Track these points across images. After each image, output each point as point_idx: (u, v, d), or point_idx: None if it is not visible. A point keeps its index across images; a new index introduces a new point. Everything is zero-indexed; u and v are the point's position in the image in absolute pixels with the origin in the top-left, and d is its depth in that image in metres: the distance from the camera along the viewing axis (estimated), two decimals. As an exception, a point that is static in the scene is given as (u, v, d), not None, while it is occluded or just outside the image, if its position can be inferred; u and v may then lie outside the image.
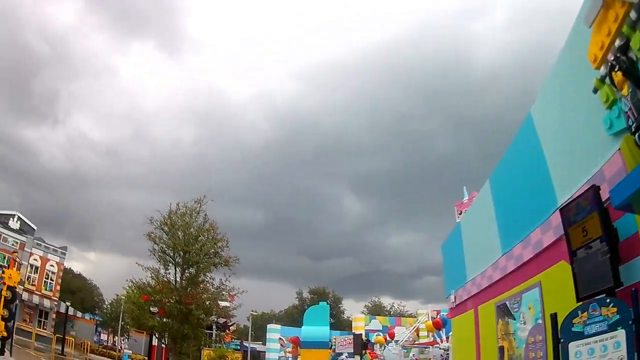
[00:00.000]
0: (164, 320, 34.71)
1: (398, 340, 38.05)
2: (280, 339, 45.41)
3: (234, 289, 37.05)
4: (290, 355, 41.34)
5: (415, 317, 51.10)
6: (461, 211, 26.02)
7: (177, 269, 35.24)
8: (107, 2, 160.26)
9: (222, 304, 38.49)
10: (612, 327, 5.05)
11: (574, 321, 5.67)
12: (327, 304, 57.94)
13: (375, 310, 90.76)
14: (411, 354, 35.63)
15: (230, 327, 57.00)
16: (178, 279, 35.18)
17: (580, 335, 5.50)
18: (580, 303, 5.78)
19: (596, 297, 5.55)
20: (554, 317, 6.25)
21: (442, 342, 30.90)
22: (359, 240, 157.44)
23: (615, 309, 5.07)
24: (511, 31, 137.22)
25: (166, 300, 34.32)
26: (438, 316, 32.48)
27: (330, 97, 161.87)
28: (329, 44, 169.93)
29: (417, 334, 38.67)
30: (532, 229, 8.75)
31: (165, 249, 34.96)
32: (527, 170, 9.09)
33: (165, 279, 35.15)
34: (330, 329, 49.90)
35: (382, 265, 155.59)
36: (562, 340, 5.82)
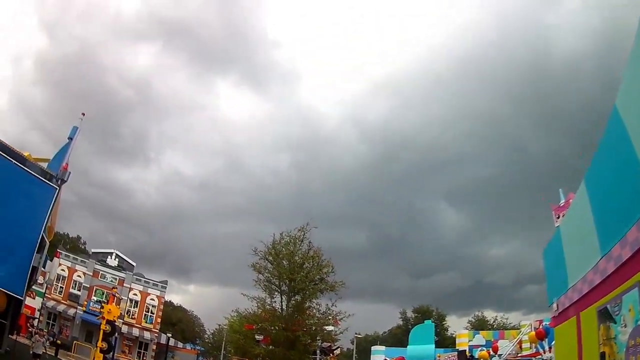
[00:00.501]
0: (270, 347, 35.10)
1: (501, 354, 37.09)
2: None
3: (340, 313, 37.10)
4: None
5: (518, 329, 49.77)
6: (559, 215, 25.12)
7: (282, 296, 35.64)
8: (185, 42, 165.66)
9: (327, 328, 38.69)
10: None
11: None
12: (432, 322, 57.25)
13: (479, 325, 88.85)
14: (514, 366, 34.82)
15: (335, 351, 57.12)
16: (284, 307, 35.50)
17: None
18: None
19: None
20: None
21: (544, 352, 29.84)
22: (460, 253, 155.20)
23: None
24: (587, 15, 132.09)
25: (272, 328, 34.69)
26: (540, 326, 31.38)
27: (421, 110, 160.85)
28: (407, 57, 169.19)
29: (520, 347, 37.60)
30: (629, 226, 8.34)
31: (271, 278, 35.56)
32: (619, 166, 8.74)
33: (271, 307, 35.58)
34: (434, 347, 49.26)
35: (484, 278, 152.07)
36: None
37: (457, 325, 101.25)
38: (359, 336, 73.24)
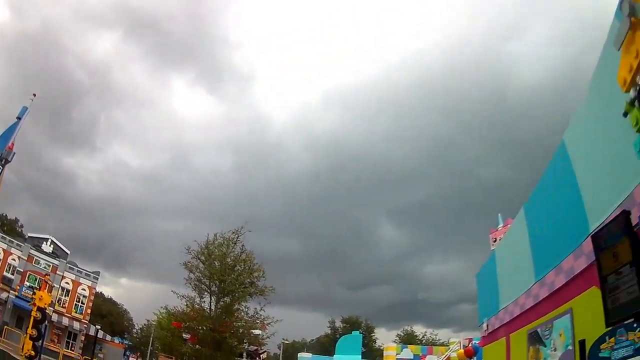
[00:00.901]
0: (197, 347, 34.88)
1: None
2: (309, 366, 45.13)
3: (267, 318, 37.18)
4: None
5: (447, 345, 50.53)
6: (495, 239, 25.73)
7: (212, 297, 35.50)
8: (146, 34, 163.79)
9: (255, 332, 38.61)
10: (638, 352, 5.01)
11: (601, 347, 5.65)
12: (360, 332, 57.61)
13: (408, 339, 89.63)
14: (443, 383, 35.32)
15: (261, 355, 56.88)
16: (213, 308, 35.37)
17: None
18: (609, 329, 5.73)
19: (624, 322, 5.51)
20: (582, 343, 6.25)
21: (472, 370, 30.45)
22: (396, 269, 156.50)
23: (641, 333, 5.05)
24: (548, 50, 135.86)
25: (199, 327, 34.52)
26: (470, 344, 31.95)
27: (369, 125, 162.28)
28: (364, 72, 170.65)
29: (450, 363, 38.19)
30: (564, 255, 8.70)
31: (202, 277, 35.32)
32: (560, 197, 9.09)
33: (199, 306, 35.38)
34: (361, 358, 49.58)
35: (418, 294, 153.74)
36: None
37: (386, 338, 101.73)
38: (287, 342, 73.26)
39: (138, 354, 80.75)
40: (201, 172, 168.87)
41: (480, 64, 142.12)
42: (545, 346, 9.49)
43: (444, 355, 38.77)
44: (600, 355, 5.60)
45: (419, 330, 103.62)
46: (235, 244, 36.58)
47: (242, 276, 35.53)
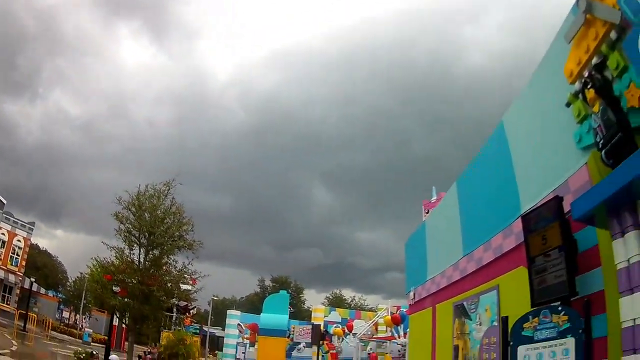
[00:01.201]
0: (126, 300, 34.50)
1: (356, 333, 38.14)
2: (239, 324, 45.18)
3: (195, 272, 37.04)
4: (247, 341, 41.29)
5: (375, 311, 51.32)
6: (428, 210, 26.10)
7: (141, 249, 35.03)
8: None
9: (184, 287, 38.37)
10: (562, 335, 5.22)
11: (524, 325, 5.82)
12: (288, 293, 57.90)
13: (336, 303, 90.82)
14: (369, 348, 35.69)
15: (191, 311, 56.73)
16: (142, 260, 34.97)
17: (530, 340, 5.67)
18: (534, 309, 5.94)
19: (549, 304, 5.72)
20: (504, 320, 6.41)
21: (399, 337, 31.01)
22: (327, 232, 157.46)
23: (566, 317, 5.24)
24: (502, 37, 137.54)
25: (128, 280, 34.15)
26: (397, 312, 32.56)
27: (309, 88, 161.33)
28: (310, 35, 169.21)
29: (376, 328, 38.64)
30: (494, 233, 8.89)
31: (131, 229, 34.72)
32: (494, 176, 9.22)
33: (129, 259, 34.94)
34: (289, 319, 50.03)
35: (348, 259, 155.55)
36: (511, 343, 5.97)
37: (315, 300, 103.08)
38: (216, 299, 73.29)
39: (72, 307, 79.49)
40: (138, 123, 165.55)
41: (432, 41, 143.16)
42: (471, 320, 9.71)
43: (371, 321, 39.37)
44: (523, 333, 5.78)
45: (348, 294, 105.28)
46: (166, 196, 35.97)
47: (171, 229, 35.08)
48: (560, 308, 5.43)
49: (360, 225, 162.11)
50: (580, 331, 5.05)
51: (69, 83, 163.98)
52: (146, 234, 34.45)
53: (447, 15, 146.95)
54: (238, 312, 58.09)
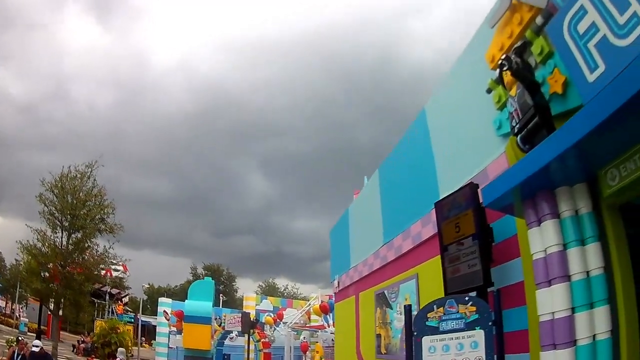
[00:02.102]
0: (50, 285, 33.49)
1: (287, 322, 37.93)
2: (164, 312, 44.32)
3: (116, 257, 36.33)
4: (175, 329, 40.60)
5: (307, 300, 51.35)
6: (358, 199, 26.08)
7: (64, 232, 34.02)
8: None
9: (115, 273, 37.53)
10: (469, 327, 4.96)
11: (428, 315, 5.50)
12: (222, 281, 57.44)
13: (269, 291, 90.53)
14: (302, 337, 35.59)
15: (123, 299, 55.56)
16: (65, 243, 33.96)
17: (435, 331, 5.37)
18: (438, 298, 5.67)
19: (453, 295, 5.49)
20: (407, 309, 6.08)
21: (329, 326, 30.98)
22: (264, 220, 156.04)
23: (474, 308, 4.99)
24: (444, 33, 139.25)
25: (50, 264, 33.20)
26: (328, 301, 32.49)
27: (253, 75, 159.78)
28: (257, 21, 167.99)
29: (309, 317, 38.59)
30: (413, 221, 8.70)
31: (54, 211, 33.70)
32: (415, 164, 9.02)
33: (52, 242, 33.90)
34: (222, 307, 49.34)
35: (284, 247, 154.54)
36: (415, 334, 5.62)
37: (250, 289, 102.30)
38: (147, 286, 72.22)
39: (8, 296, 76.95)
40: (78, 104, 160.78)
41: (377, 32, 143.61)
42: (391, 308, 9.56)
43: (301, 310, 39.22)
44: (428, 323, 5.46)
45: (281, 282, 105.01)
46: (88, 178, 35.04)
47: (93, 211, 34.22)
48: (467, 298, 5.18)
49: (299, 213, 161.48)
50: (490, 323, 4.80)
51: (12, 60, 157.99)
52: (68, 216, 33.51)
53: (394, 8, 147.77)
54: (169, 300, 57.06)
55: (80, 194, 34.38)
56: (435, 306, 5.47)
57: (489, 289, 5.34)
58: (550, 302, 4.23)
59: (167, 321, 42.60)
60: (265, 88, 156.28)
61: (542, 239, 4.43)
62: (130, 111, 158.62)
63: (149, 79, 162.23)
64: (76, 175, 34.85)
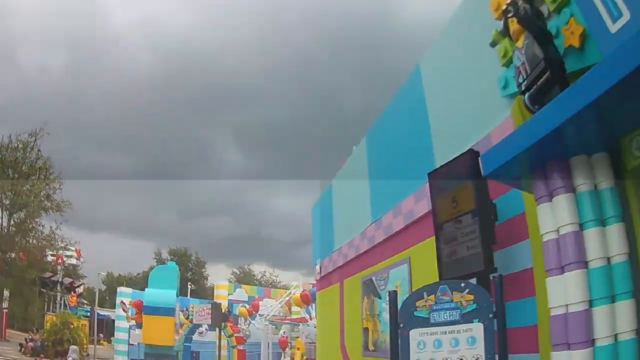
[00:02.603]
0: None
1: (263, 314, 37.81)
2: (122, 302, 43.99)
3: (64, 239, 35.94)
4: (134, 322, 40.35)
5: (288, 289, 51.11)
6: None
7: (4, 212, 33.51)
8: None
9: (67, 260, 37.19)
10: (466, 319, 4.82)
11: (417, 304, 5.31)
12: (190, 267, 57.01)
13: (244, 279, 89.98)
14: (281, 331, 35.46)
15: (77, 289, 55.09)
16: (5, 224, 33.49)
17: (425, 322, 5.18)
18: (428, 284, 5.50)
19: (447, 280, 5.37)
20: (393, 296, 5.88)
21: (312, 319, 30.80)
22: (239, 199, 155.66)
23: (471, 297, 4.83)
24: None
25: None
26: (309, 289, 32.32)
27: (226, 34, 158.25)
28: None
29: (289, 309, 38.40)
30: (405, 196, 8.61)
31: (-8, 187, 33.19)
32: (407, 130, 8.89)
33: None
34: (189, 297, 49.19)
35: (263, 230, 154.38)
36: (401, 325, 5.43)
37: (221, 276, 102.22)
38: (105, 275, 71.86)
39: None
40: (27, 68, 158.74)
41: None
42: (380, 298, 9.49)
43: (280, 300, 39.18)
44: (416, 314, 5.28)
45: (259, 269, 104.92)
46: (32, 149, 34.46)
47: (37, 187, 33.72)
48: (463, 285, 5.02)
49: (279, 190, 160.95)
50: (491, 316, 4.67)
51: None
52: (9, 193, 32.99)
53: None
54: (129, 290, 56.90)
55: (23, 167, 33.86)
56: (425, 293, 5.28)
57: (491, 276, 5.19)
58: (564, 292, 4.05)
59: (125, 314, 42.39)
60: (240, 49, 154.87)
61: (554, 217, 4.26)
62: (85, 75, 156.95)
63: (108, 38, 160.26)
64: (18, 145, 34.26)
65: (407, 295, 5.84)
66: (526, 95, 4.85)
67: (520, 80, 4.92)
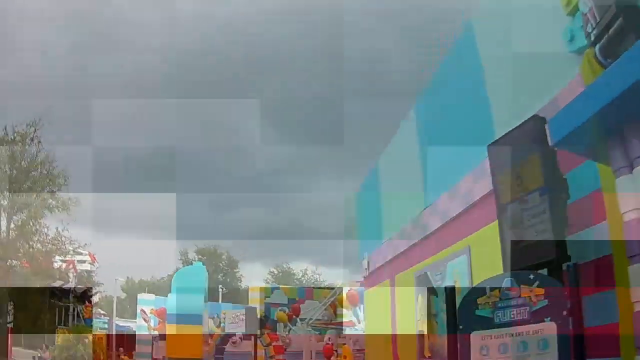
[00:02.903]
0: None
1: (305, 319, 37.88)
2: (142, 311, 44.42)
3: (74, 241, 36.34)
4: (156, 332, 40.71)
5: (332, 288, 50.99)
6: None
7: (2, 214, 33.98)
8: None
9: (80, 267, 37.68)
10: (536, 317, 4.70)
11: (479, 301, 5.23)
12: (221, 267, 57.19)
13: (283, 279, 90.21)
14: (326, 337, 35.46)
15: (92, 298, 55.67)
16: (4, 228, 33.97)
17: (489, 323, 5.09)
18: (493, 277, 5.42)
19: (514, 271, 5.26)
20: (450, 291, 5.86)
21: (360, 322, 30.80)
22: (275, 186, 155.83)
23: (542, 291, 4.71)
24: None
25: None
26: (356, 288, 32.27)
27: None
28: None
29: (334, 311, 38.37)
30: (462, 175, 8.57)
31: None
32: (461, 97, 8.82)
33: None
34: (221, 302, 49.49)
35: (303, 221, 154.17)
36: (461, 327, 5.38)
37: (256, 277, 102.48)
38: (124, 281, 72.72)
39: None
40: (29, 51, 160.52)
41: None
42: (437, 295, 9.43)
43: (325, 301, 39.24)
44: (478, 313, 5.20)
45: (300, 267, 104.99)
46: (32, 140, 34.74)
47: (39, 184, 34.07)
48: (532, 276, 4.91)
49: (321, 173, 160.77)
50: (565, 313, 4.55)
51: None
52: (7, 192, 33.41)
53: None
54: (152, 296, 57.60)
55: (22, 163, 34.23)
56: (488, 288, 5.19)
57: (564, 265, 5.07)
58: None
59: (146, 324, 42.84)
60: (267, 13, 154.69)
61: (636, 192, 4.09)
62: (94, 54, 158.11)
63: (118, 12, 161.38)
64: (14, 137, 34.56)
65: (467, 291, 5.76)
66: (597, 47, 4.75)
67: (589, 30, 4.85)
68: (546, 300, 4.65)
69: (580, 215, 5.32)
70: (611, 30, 4.47)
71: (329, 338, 35.43)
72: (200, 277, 37.81)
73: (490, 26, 7.98)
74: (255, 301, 48.18)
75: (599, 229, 5.11)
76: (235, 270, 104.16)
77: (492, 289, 5.16)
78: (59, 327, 48.75)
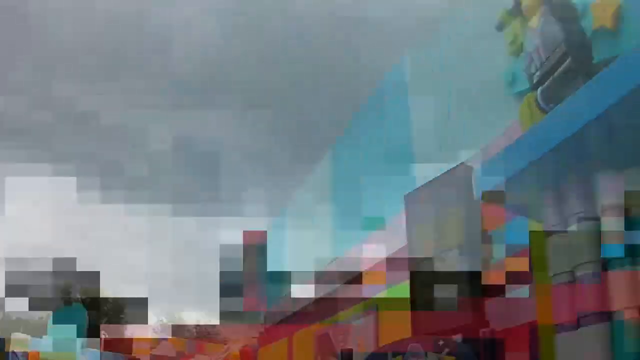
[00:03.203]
0: None
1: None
2: (13, 353, 43.71)
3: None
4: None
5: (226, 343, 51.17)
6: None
7: None
8: None
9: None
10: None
11: None
12: (105, 311, 56.41)
13: (177, 330, 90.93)
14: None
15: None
16: None
17: None
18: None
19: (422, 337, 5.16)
20: (346, 357, 5.79)
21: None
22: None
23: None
24: None
25: None
26: (253, 344, 32.41)
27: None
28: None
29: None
30: (375, 226, 8.63)
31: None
32: (381, 140, 8.97)
33: None
34: (102, 350, 48.96)
35: (198, 267, 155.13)
36: None
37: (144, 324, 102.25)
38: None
39: None
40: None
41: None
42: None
43: (216, 356, 39.32)
44: None
45: (192, 317, 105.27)
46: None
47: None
48: (441, 343, 4.75)
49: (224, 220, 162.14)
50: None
51: None
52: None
53: None
54: (25, 336, 56.94)
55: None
56: (390, 354, 5.00)
57: (480, 331, 4.93)
58: (579, 354, 3.75)
59: (14, 370, 41.94)
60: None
61: (569, 252, 3.97)
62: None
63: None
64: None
65: (366, 356, 5.62)
66: (539, 89, 4.72)
67: (533, 71, 4.82)
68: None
69: (503, 276, 5.21)
70: (557, 72, 4.45)
71: (221, 403, 35.32)
72: (78, 319, 37.41)
73: (422, 65, 8.12)
74: (140, 352, 47.93)
75: (524, 293, 5.01)
76: (121, 316, 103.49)
77: (394, 355, 4.95)
78: None
